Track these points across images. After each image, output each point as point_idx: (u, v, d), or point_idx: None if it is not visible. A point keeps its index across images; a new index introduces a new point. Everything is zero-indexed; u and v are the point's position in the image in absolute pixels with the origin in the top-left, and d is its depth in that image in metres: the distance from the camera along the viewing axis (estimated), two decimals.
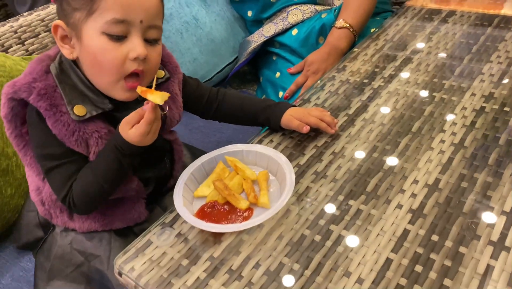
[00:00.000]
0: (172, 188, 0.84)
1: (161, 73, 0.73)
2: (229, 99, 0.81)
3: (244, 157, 0.71)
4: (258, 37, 1.20)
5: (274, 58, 1.21)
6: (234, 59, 1.34)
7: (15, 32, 1.18)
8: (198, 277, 0.57)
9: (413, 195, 0.63)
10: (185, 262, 0.59)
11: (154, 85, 0.62)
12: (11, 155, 0.90)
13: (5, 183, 0.90)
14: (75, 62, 0.65)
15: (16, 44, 1.18)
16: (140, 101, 0.68)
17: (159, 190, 0.81)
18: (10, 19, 1.20)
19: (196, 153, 0.97)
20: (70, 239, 0.77)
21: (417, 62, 0.94)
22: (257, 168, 0.71)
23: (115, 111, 0.66)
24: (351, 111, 0.82)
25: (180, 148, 0.80)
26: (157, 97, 0.59)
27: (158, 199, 0.82)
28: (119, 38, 0.59)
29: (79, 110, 0.63)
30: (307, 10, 1.16)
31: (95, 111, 0.64)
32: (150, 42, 0.62)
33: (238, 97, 0.82)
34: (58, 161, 0.64)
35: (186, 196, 0.66)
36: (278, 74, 1.17)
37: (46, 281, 0.76)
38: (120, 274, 0.60)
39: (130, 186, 0.71)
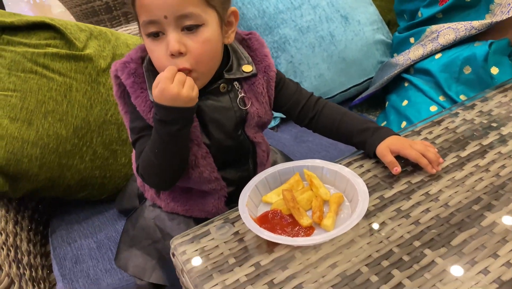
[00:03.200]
0: None
1: (248, 67, 0.73)
2: (328, 111, 0.78)
3: (322, 174, 0.67)
4: (404, 60, 1.12)
5: (406, 84, 1.12)
6: (362, 81, 1.28)
7: None
8: (238, 279, 0.55)
9: (509, 264, 0.51)
10: (231, 261, 0.58)
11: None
12: None
13: (121, 152, 1.01)
14: None
15: None
16: (222, 92, 0.70)
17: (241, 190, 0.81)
18: None
19: (286, 160, 0.95)
20: (155, 214, 0.82)
21: None
22: (334, 189, 0.66)
23: None
24: (464, 154, 0.71)
25: (263, 154, 0.79)
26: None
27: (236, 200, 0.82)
28: (157, 35, 0.62)
29: None
30: (461, 28, 1.04)
31: None
32: (189, 29, 0.61)
33: (337, 111, 0.77)
34: (139, 134, 0.70)
35: (254, 198, 0.65)
36: (405, 102, 1.07)
37: (127, 246, 0.83)
38: (173, 254, 0.62)
39: (212, 183, 0.73)
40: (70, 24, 1.03)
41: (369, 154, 0.72)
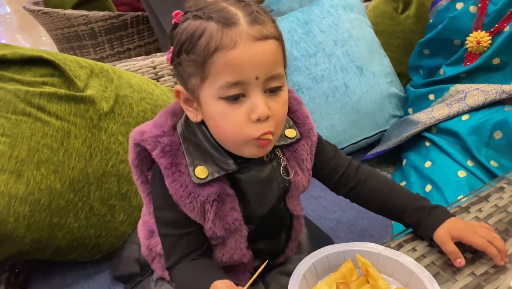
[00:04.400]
0: (280, 265, 0.75)
1: (292, 133, 0.65)
2: (373, 183, 0.70)
3: (379, 263, 0.59)
4: (426, 119, 1.06)
5: (427, 144, 1.06)
6: (373, 134, 1.23)
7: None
8: None
9: None
10: None
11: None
12: (133, 182, 0.89)
13: (120, 208, 0.89)
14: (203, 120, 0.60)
15: (168, 75, 1.24)
16: (265, 161, 0.62)
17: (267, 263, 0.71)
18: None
19: (314, 231, 0.86)
20: None
21: None
22: (394, 282, 0.58)
23: (238, 172, 0.60)
24: None
25: (300, 227, 0.72)
26: None
27: (263, 273, 0.72)
28: (236, 98, 0.54)
29: (201, 172, 0.58)
30: (491, 91, 1.00)
31: (217, 173, 0.58)
32: (272, 91, 0.55)
33: (385, 184, 0.69)
34: (170, 231, 0.61)
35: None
36: (428, 163, 1.02)
37: None
38: None
39: (241, 258, 0.64)
40: (69, 60, 0.91)
41: (425, 237, 0.64)
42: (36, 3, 2.18)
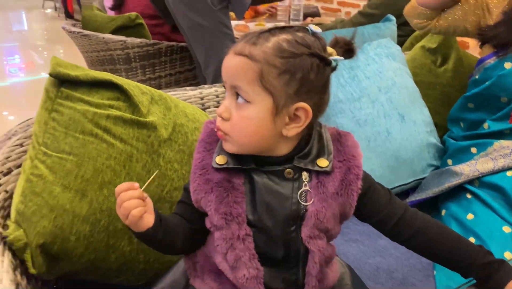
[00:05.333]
0: None
1: (324, 162, 0.66)
2: (435, 233, 0.70)
3: None
4: (470, 171, 1.08)
5: (469, 196, 1.08)
6: (410, 181, 1.25)
7: (217, 96, 1.27)
8: None
9: None
10: None
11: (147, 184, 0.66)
12: None
13: None
14: None
15: (214, 107, 1.27)
16: (287, 178, 0.66)
17: None
18: (217, 84, 1.30)
19: (354, 281, 0.84)
20: None
21: None
22: None
23: (255, 173, 0.67)
24: None
25: (314, 265, 0.67)
26: None
27: None
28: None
29: (221, 159, 0.67)
30: None
31: (234, 164, 0.66)
32: (241, 100, 0.63)
33: (447, 236, 0.70)
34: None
35: None
36: (471, 216, 1.03)
37: None
38: None
39: (251, 270, 0.66)
40: (132, 85, 0.94)
41: None
42: (74, 25, 2.25)
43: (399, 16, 1.60)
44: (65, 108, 0.83)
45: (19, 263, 0.72)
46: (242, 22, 2.74)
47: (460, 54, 1.42)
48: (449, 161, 1.24)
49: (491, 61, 1.16)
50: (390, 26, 1.79)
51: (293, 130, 0.64)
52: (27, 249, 0.72)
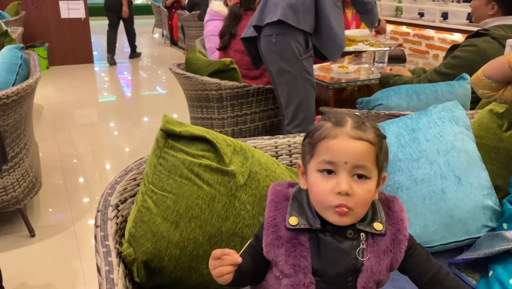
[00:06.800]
0: None
1: (379, 226, 0.82)
2: None
3: None
4: None
5: None
6: (464, 239, 1.32)
7: (289, 145, 1.47)
8: None
9: None
10: None
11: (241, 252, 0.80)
12: None
13: None
14: None
15: (286, 154, 1.47)
16: (348, 237, 0.80)
17: None
18: (289, 135, 1.50)
19: None
20: None
21: None
22: None
23: (321, 232, 0.81)
24: None
25: None
26: None
27: None
28: (329, 173, 0.77)
29: (293, 220, 0.81)
30: None
31: (304, 225, 0.81)
32: (359, 177, 0.76)
33: None
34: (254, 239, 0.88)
35: None
36: None
37: None
38: None
39: None
40: (220, 138, 1.18)
41: None
42: (179, 65, 2.62)
43: None
44: (169, 156, 1.09)
45: (128, 273, 0.98)
46: (327, 63, 2.93)
47: None
48: (505, 225, 1.29)
49: None
50: (464, 84, 1.86)
51: (377, 194, 0.84)
52: (135, 263, 0.97)
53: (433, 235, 1.32)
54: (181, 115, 4.18)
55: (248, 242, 0.86)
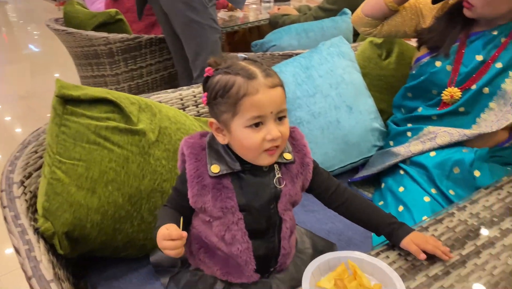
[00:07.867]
0: (279, 271, 0.98)
1: (288, 156, 0.91)
2: (356, 203, 0.96)
3: (364, 265, 0.85)
4: (405, 152, 1.34)
5: (402, 172, 1.34)
6: (358, 160, 1.50)
7: (194, 96, 1.48)
8: None
9: None
10: None
11: None
12: None
13: None
14: None
15: (192, 106, 1.48)
16: (264, 171, 0.89)
17: (269, 264, 0.95)
18: (193, 85, 1.51)
19: (314, 239, 1.11)
20: (198, 277, 0.97)
21: None
22: (373, 279, 0.84)
23: (242, 172, 0.88)
24: (464, 252, 0.92)
25: (287, 230, 0.93)
26: None
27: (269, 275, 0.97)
28: (257, 125, 0.81)
29: (215, 168, 0.86)
30: (456, 134, 1.29)
31: (226, 170, 0.86)
32: (280, 119, 0.83)
33: (365, 204, 0.96)
34: (174, 196, 0.93)
35: (310, 283, 0.81)
36: (401, 188, 1.29)
37: None
38: None
39: (242, 245, 0.89)
40: (123, 97, 1.15)
41: (395, 243, 0.91)
42: (56, 20, 2.38)
43: (355, 9, 1.79)
44: (71, 123, 1.04)
45: (49, 247, 0.96)
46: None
47: (402, 48, 1.65)
48: (391, 142, 1.49)
49: (425, 59, 1.39)
50: (346, 19, 2.00)
51: None
52: (55, 236, 0.95)
53: (333, 160, 1.47)
54: (67, 76, 3.86)
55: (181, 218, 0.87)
